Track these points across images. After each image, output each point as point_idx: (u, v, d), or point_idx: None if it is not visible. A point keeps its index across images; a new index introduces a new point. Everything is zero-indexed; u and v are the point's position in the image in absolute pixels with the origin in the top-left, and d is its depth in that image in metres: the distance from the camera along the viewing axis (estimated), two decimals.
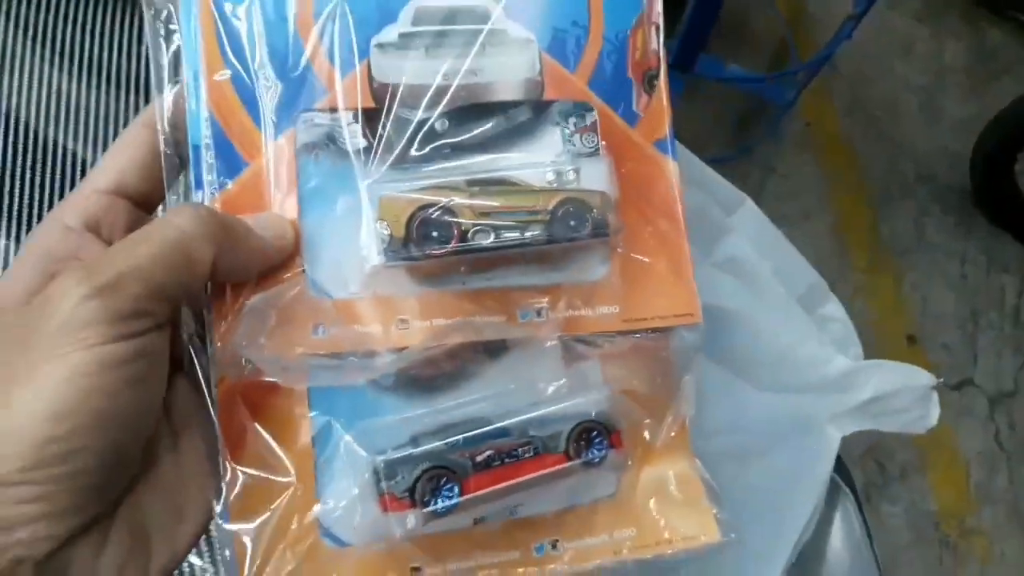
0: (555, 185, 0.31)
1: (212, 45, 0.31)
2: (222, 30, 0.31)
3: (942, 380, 0.50)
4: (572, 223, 0.31)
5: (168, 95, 0.31)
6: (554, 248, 0.31)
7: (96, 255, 0.28)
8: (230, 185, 0.30)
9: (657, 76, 0.35)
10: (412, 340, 0.31)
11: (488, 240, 0.30)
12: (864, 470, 1.36)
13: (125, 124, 0.51)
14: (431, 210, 0.30)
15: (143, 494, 0.27)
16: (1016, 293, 1.62)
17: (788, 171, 1.66)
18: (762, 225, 0.53)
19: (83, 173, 0.49)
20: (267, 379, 0.30)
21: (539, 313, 0.32)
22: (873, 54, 1.62)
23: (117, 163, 0.31)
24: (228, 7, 0.31)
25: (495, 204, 0.30)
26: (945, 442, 1.42)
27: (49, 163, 0.49)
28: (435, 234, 0.30)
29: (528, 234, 0.30)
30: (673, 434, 0.35)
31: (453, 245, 0.30)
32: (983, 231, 1.66)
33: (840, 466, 0.53)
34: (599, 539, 0.34)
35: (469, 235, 0.30)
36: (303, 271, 0.30)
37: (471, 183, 0.31)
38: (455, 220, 0.30)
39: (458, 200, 0.30)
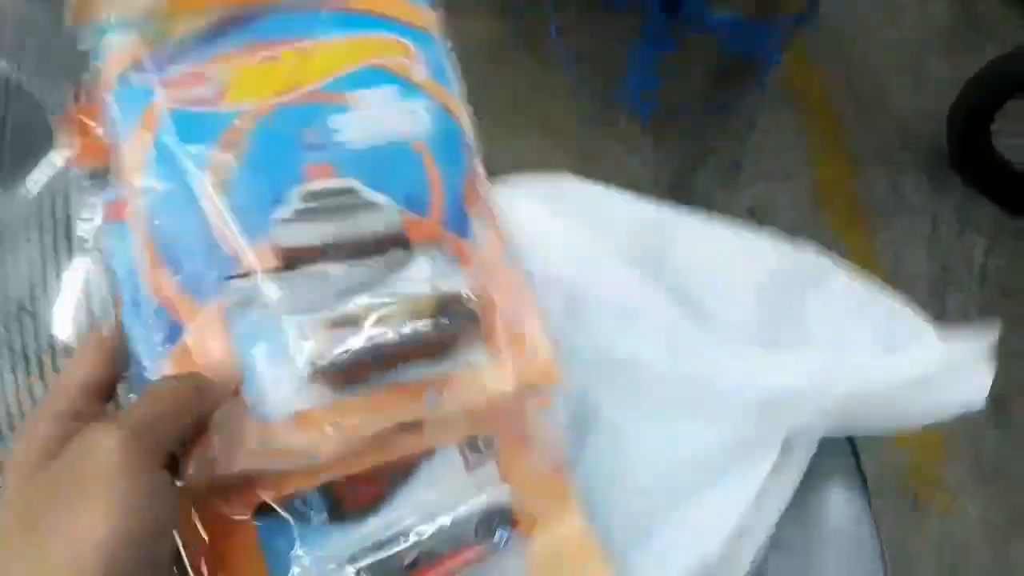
0: (431, 291, 0.41)
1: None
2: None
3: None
4: (451, 315, 0.41)
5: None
6: (441, 338, 0.41)
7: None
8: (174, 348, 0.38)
9: (489, 211, 0.47)
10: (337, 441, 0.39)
11: (391, 337, 0.39)
12: None
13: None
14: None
15: None
16: (984, 253, 1.65)
17: (768, 127, 1.68)
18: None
19: None
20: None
21: (440, 393, 0.40)
22: (858, 12, 1.62)
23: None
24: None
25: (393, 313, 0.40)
26: None
27: None
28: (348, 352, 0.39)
29: (420, 327, 0.40)
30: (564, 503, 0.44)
31: (360, 344, 0.39)
32: (957, 192, 1.68)
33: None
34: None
35: (374, 337, 0.39)
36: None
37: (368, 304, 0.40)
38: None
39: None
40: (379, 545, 0.40)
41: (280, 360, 0.39)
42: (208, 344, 0.38)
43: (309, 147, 0.45)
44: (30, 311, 0.47)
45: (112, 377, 0.38)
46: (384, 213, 0.44)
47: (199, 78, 0.45)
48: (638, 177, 1.60)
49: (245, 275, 0.40)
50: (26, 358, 0.47)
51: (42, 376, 0.48)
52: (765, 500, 0.43)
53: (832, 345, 0.45)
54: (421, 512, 0.41)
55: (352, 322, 0.39)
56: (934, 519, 1.35)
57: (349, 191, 0.44)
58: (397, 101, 0.48)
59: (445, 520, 0.41)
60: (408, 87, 0.48)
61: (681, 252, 0.47)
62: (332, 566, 0.38)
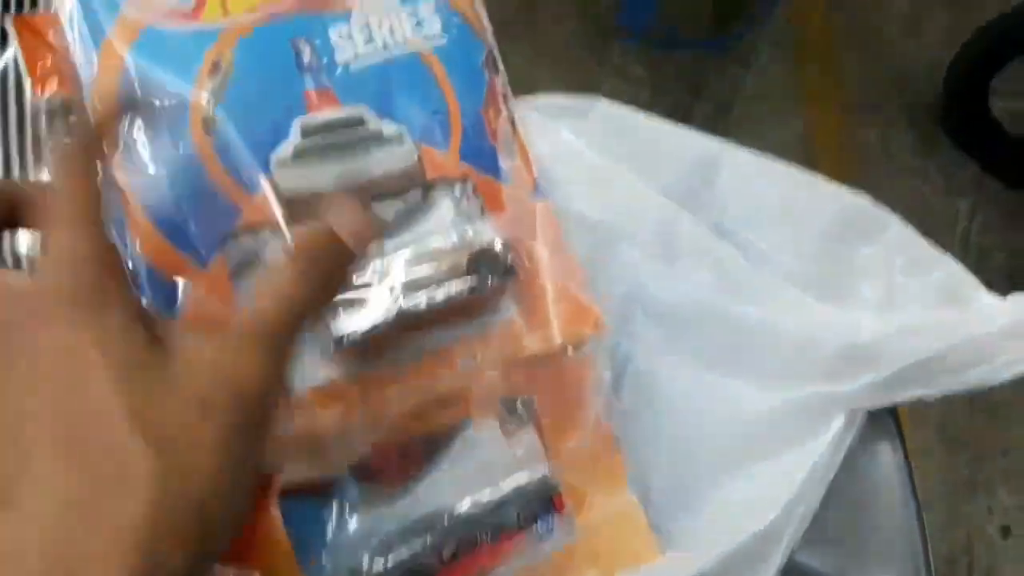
0: (462, 245, 0.37)
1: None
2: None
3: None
4: (485, 271, 0.36)
5: None
6: (475, 297, 0.36)
7: None
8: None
9: (514, 139, 0.42)
10: (378, 419, 0.35)
11: (421, 305, 0.35)
12: None
13: None
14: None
15: None
16: (968, 216, 1.64)
17: (763, 68, 1.64)
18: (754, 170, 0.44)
19: None
20: None
21: (475, 357, 0.37)
22: None
23: None
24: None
25: (421, 272, 0.35)
26: None
27: None
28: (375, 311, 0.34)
29: (453, 291, 0.35)
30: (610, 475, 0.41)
31: (387, 314, 0.34)
32: (945, 151, 1.66)
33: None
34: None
35: (402, 300, 0.35)
36: None
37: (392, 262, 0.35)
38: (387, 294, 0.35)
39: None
40: (413, 530, 0.36)
41: None
42: (215, 314, 0.34)
43: (308, 68, 0.38)
44: None
45: None
46: (398, 147, 0.39)
47: None
48: None
49: (248, 228, 0.35)
50: None
51: None
52: (822, 469, 0.40)
53: (885, 300, 0.42)
54: (457, 489, 0.38)
55: (377, 287, 0.35)
56: None
57: (357, 121, 0.38)
58: (400, 4, 0.41)
59: (483, 498, 0.38)
60: None
61: (730, 189, 0.43)
62: (364, 554, 0.35)
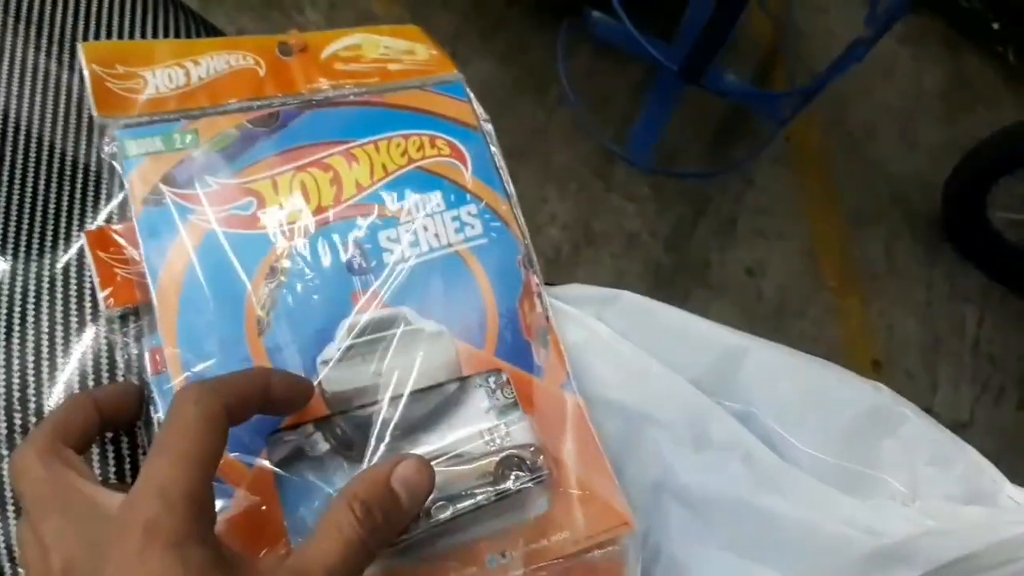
0: (492, 447, 0.38)
1: None
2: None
3: None
4: (513, 476, 0.38)
5: None
6: (505, 499, 0.38)
7: None
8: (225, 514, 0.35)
9: (548, 332, 0.44)
10: None
11: (446, 514, 0.36)
12: None
13: None
14: None
15: None
16: (976, 323, 1.68)
17: (765, 184, 1.71)
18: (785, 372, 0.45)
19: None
20: None
21: (503, 555, 0.38)
22: (855, 74, 1.64)
23: None
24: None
25: (449, 482, 0.37)
26: None
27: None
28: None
29: (480, 497, 0.37)
30: None
31: (421, 526, 0.36)
32: (949, 259, 1.72)
33: None
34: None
35: (431, 511, 0.36)
36: None
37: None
38: None
39: None
40: None
41: None
42: (258, 511, 0.36)
43: (357, 271, 0.42)
44: None
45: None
46: (437, 344, 0.41)
47: (234, 193, 0.42)
48: (636, 230, 1.61)
49: (294, 427, 0.38)
50: None
51: None
52: None
53: (910, 491, 0.42)
54: None
55: None
56: None
57: (399, 320, 0.41)
58: (446, 209, 0.45)
59: None
60: (457, 191, 0.45)
61: (754, 381, 0.44)
62: None
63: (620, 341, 0.45)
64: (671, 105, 1.62)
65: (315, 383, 0.38)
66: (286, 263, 0.41)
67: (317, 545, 0.30)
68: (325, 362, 0.39)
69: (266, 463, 0.36)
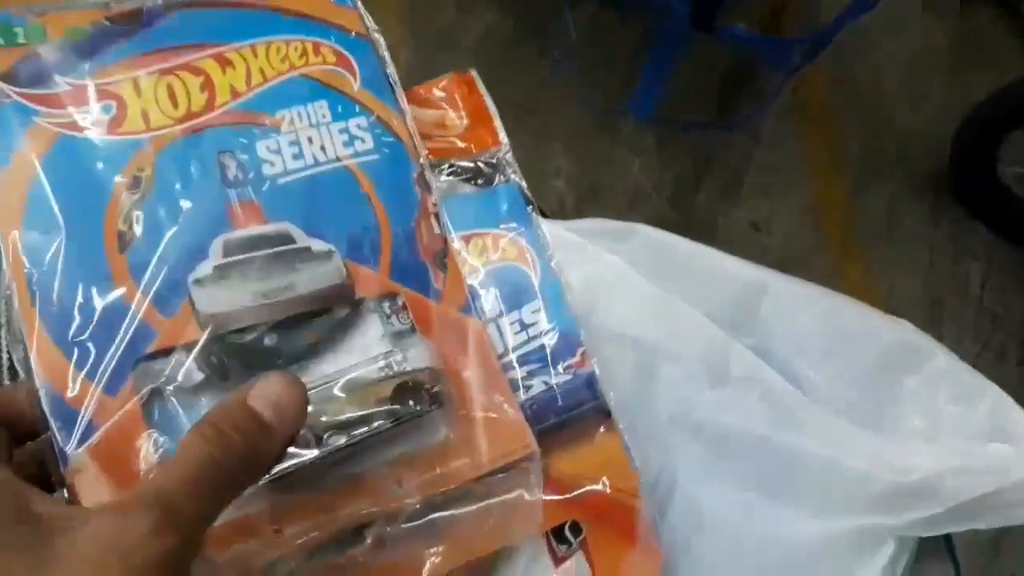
0: (389, 372, 0.35)
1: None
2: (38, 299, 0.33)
3: None
4: (411, 403, 0.35)
5: None
6: (402, 427, 0.35)
7: None
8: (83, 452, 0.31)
9: (446, 255, 0.41)
10: (290, 545, 0.33)
11: (341, 441, 0.33)
12: None
13: None
14: None
15: None
16: (979, 283, 1.66)
17: (771, 140, 1.67)
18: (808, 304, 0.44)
19: None
20: None
21: (400, 484, 0.35)
22: (863, 27, 1.55)
23: None
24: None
25: (343, 408, 0.34)
26: None
27: None
28: (293, 447, 0.33)
29: (376, 424, 0.34)
30: None
31: (312, 452, 0.33)
32: (952, 218, 1.70)
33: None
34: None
35: (324, 439, 0.33)
36: None
37: (314, 392, 0.34)
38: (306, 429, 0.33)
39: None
40: None
41: None
42: (126, 445, 0.32)
43: (232, 182, 0.38)
44: None
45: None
46: (326, 264, 0.38)
47: (89, 94, 0.37)
48: (641, 184, 1.58)
49: (163, 352, 0.34)
50: None
51: None
52: None
53: (932, 430, 0.42)
54: None
55: None
56: None
57: (283, 237, 0.37)
58: (332, 121, 0.41)
59: None
60: (344, 102, 0.42)
61: (774, 316, 0.42)
62: None
63: (635, 275, 0.43)
64: (677, 55, 1.57)
65: (186, 303, 0.34)
66: (151, 172, 0.36)
67: (159, 474, 0.27)
68: (198, 281, 0.35)
69: (131, 396, 0.32)
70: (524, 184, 0.45)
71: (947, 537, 0.44)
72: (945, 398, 0.42)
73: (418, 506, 0.35)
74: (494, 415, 0.38)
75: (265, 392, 0.29)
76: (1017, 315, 1.65)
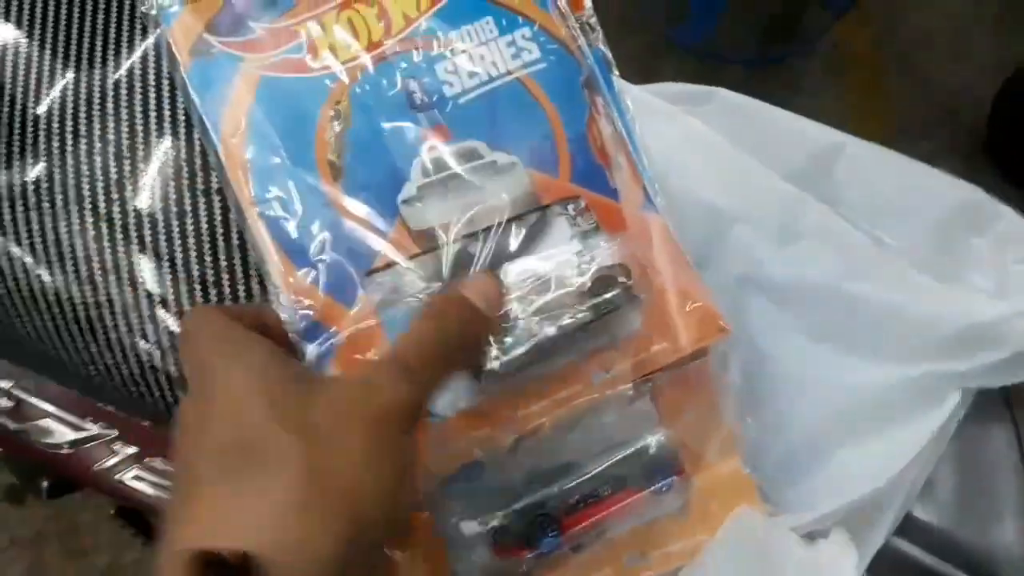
0: (583, 270, 0.39)
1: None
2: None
3: None
4: (608, 296, 0.39)
5: None
6: (602, 318, 0.39)
7: None
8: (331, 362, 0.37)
9: (620, 153, 0.44)
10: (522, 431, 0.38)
11: (551, 330, 0.38)
12: None
13: None
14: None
15: None
16: None
17: (812, 89, 1.68)
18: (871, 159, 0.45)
19: None
20: None
21: (607, 371, 0.39)
22: None
23: None
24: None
25: (548, 306, 0.38)
26: None
27: None
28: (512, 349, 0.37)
29: (580, 315, 0.38)
30: (724, 444, 0.43)
31: (524, 345, 0.37)
32: (989, 178, 1.61)
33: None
34: (678, 545, 0.42)
35: (535, 330, 0.37)
36: None
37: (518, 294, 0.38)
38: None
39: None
40: (538, 479, 0.41)
41: None
42: (367, 348, 0.37)
43: (419, 106, 0.41)
44: None
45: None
46: (512, 175, 0.41)
47: (282, 36, 0.41)
48: None
49: (386, 266, 0.38)
50: None
51: None
52: (934, 444, 0.42)
53: (998, 288, 0.43)
54: (581, 451, 0.42)
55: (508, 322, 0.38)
56: None
57: (472, 155, 0.41)
58: (499, 35, 0.44)
59: (606, 460, 0.42)
60: (507, 15, 0.44)
61: (848, 178, 0.44)
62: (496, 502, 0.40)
63: (713, 136, 0.45)
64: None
65: (398, 221, 0.39)
66: (348, 104, 0.40)
67: (399, 349, 0.33)
68: (406, 201, 0.39)
69: (366, 303, 0.37)
70: (607, 49, 0.46)
71: (1008, 402, 0.47)
72: (1013, 258, 0.44)
73: (631, 392, 0.39)
74: (687, 302, 0.41)
75: (475, 286, 0.37)
76: None
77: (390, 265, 0.38)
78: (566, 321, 0.38)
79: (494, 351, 0.37)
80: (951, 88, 1.73)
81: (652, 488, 0.43)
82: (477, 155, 0.41)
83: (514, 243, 0.40)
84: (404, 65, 0.42)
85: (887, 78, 1.74)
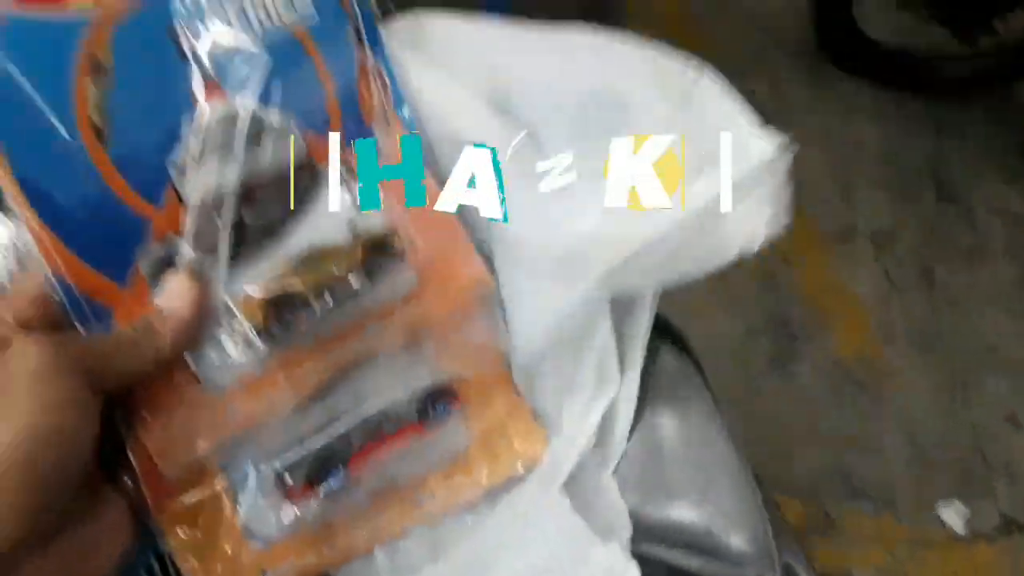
0: (355, 233, 0.42)
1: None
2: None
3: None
4: (380, 260, 0.42)
5: None
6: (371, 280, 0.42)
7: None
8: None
9: (385, 113, 0.45)
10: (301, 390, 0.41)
11: (326, 295, 0.41)
12: (768, 338, 1.51)
13: None
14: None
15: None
16: (878, 137, 1.75)
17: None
18: None
19: None
20: None
21: (381, 323, 0.43)
22: None
23: None
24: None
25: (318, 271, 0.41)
26: (841, 293, 1.57)
27: None
28: (288, 316, 0.40)
29: (356, 285, 0.41)
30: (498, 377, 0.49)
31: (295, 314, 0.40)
32: (835, 82, 1.79)
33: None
34: (465, 479, 0.47)
35: (312, 302, 0.40)
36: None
37: (295, 264, 0.40)
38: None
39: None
40: (325, 426, 0.44)
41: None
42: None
43: (189, 56, 0.40)
44: None
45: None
46: (284, 137, 0.42)
47: None
48: None
49: (160, 237, 0.38)
50: None
51: None
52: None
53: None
54: (362, 398, 0.44)
55: (280, 287, 0.40)
56: (889, 402, 1.47)
57: (245, 113, 0.41)
58: None
59: (383, 403, 0.45)
60: None
61: (519, 73, 0.47)
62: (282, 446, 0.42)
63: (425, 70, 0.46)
64: None
65: (172, 189, 0.38)
66: (109, 52, 0.38)
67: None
68: (176, 166, 0.39)
69: (137, 277, 0.37)
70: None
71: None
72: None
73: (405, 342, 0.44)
74: (453, 261, 0.45)
75: (169, 293, 0.38)
76: (920, 155, 1.76)
77: (161, 237, 0.38)
78: (338, 286, 0.41)
79: (272, 324, 0.39)
80: (770, 11, 1.84)
81: (430, 419, 0.46)
82: (251, 114, 0.41)
83: (288, 209, 0.42)
84: (172, 10, 0.40)
85: (699, 17, 1.81)
